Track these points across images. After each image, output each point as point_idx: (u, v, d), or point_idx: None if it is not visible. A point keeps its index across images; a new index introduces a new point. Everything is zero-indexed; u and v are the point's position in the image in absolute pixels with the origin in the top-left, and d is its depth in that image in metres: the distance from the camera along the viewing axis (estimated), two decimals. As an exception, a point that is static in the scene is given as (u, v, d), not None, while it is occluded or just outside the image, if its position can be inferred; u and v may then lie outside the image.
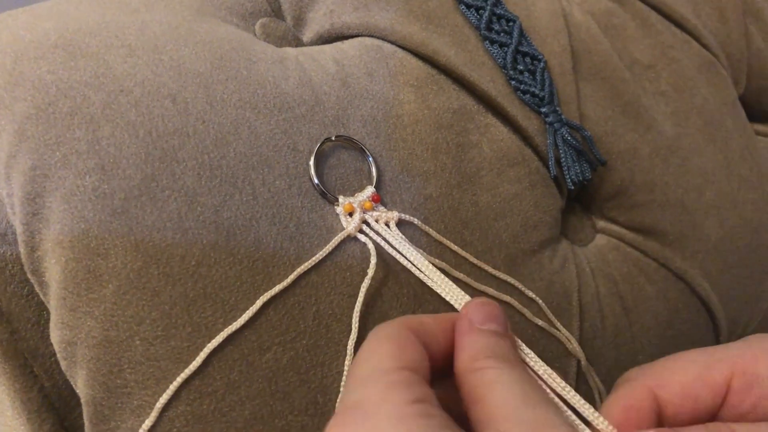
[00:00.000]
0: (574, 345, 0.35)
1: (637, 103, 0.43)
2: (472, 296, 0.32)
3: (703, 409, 0.27)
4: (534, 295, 0.34)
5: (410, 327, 0.26)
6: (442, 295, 0.31)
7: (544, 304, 0.32)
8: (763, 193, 0.46)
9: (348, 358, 0.30)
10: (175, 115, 0.31)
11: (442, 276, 0.31)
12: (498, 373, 0.25)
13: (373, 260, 0.31)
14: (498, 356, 0.25)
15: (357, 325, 0.30)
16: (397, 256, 0.32)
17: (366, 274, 0.31)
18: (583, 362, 0.36)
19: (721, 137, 0.45)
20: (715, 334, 0.44)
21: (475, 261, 0.34)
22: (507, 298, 0.34)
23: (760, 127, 0.52)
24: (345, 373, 0.30)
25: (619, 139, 0.42)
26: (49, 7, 0.34)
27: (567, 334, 0.35)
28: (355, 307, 0.31)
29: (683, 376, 0.27)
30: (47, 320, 0.31)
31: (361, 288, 0.31)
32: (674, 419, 0.27)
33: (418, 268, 0.32)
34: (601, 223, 0.42)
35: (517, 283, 0.34)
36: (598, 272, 0.40)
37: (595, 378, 0.36)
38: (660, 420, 0.27)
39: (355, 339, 0.30)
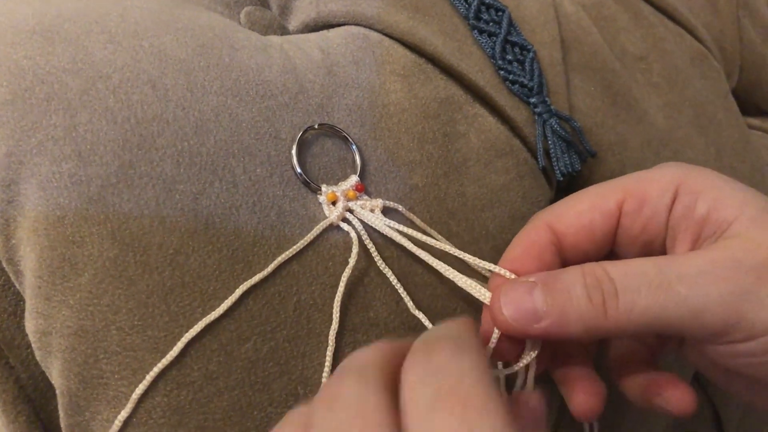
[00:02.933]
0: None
1: (628, 94, 0.42)
2: (453, 288, 0.31)
3: (599, 237, 0.28)
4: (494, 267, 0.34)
5: (392, 364, 0.22)
6: (438, 268, 0.31)
7: (490, 265, 0.31)
8: (755, 186, 0.45)
9: (330, 348, 0.30)
10: (154, 102, 0.30)
11: (431, 259, 0.31)
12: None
13: (355, 249, 0.31)
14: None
15: (338, 314, 0.30)
16: (382, 240, 0.31)
17: (348, 263, 0.31)
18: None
19: (713, 130, 0.45)
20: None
21: (459, 254, 0.33)
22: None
23: (752, 121, 0.51)
24: (327, 364, 0.30)
25: (610, 130, 0.41)
26: (28, -8, 0.34)
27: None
28: (336, 296, 0.30)
29: (577, 206, 0.29)
30: (24, 310, 0.30)
31: (342, 277, 0.30)
32: (573, 250, 0.28)
33: (406, 248, 0.31)
34: (591, 216, 0.42)
35: (498, 269, 0.34)
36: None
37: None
38: (560, 252, 0.28)
39: (336, 329, 0.30)
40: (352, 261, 0.31)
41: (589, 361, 0.30)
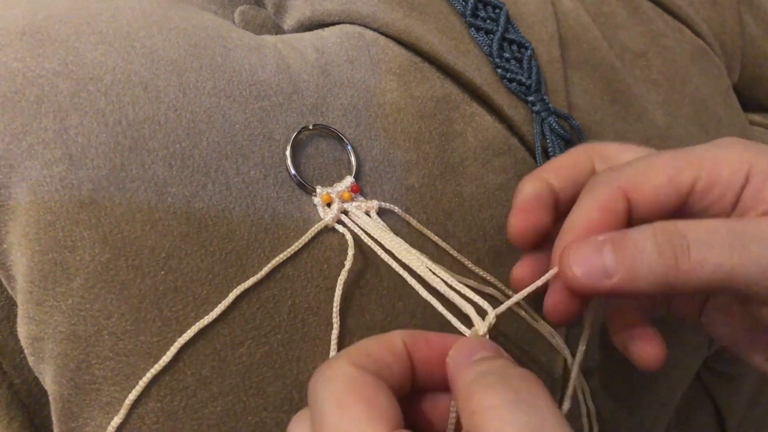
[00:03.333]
0: (558, 341, 0.34)
1: (627, 91, 0.42)
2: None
3: (666, 209, 0.28)
4: (511, 293, 0.33)
5: (364, 367, 0.23)
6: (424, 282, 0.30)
7: (522, 300, 0.31)
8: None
9: (332, 352, 0.29)
10: (146, 103, 0.30)
11: (422, 266, 0.30)
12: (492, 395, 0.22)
13: (351, 251, 0.30)
14: (492, 380, 0.23)
15: (338, 318, 0.30)
16: (376, 247, 0.31)
17: (344, 265, 0.30)
18: (568, 359, 0.35)
19: (714, 126, 0.44)
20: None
21: (456, 254, 0.33)
22: (490, 290, 0.33)
23: (753, 117, 0.51)
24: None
25: (609, 128, 0.41)
26: (18, -7, 0.33)
27: (551, 329, 0.34)
28: (335, 299, 0.30)
29: (655, 179, 0.28)
30: (17, 315, 0.30)
31: (339, 280, 0.30)
32: (640, 218, 0.28)
33: (397, 259, 0.31)
34: (591, 215, 0.42)
35: (493, 280, 0.34)
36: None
37: (580, 374, 0.36)
38: (629, 219, 0.28)
39: (337, 332, 0.30)
40: (348, 263, 0.30)
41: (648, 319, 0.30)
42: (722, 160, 0.28)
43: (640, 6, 0.46)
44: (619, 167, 0.30)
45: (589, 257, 0.26)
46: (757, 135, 0.50)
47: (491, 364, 0.23)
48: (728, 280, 0.25)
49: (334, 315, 0.30)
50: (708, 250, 0.25)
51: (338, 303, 0.30)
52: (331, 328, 0.30)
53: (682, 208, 0.29)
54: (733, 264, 0.24)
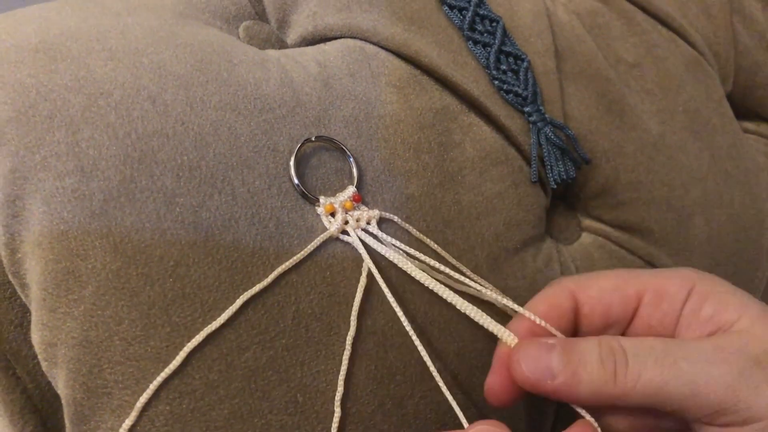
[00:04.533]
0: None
1: (622, 101, 0.43)
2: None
3: (615, 317, 0.31)
4: (509, 302, 0.34)
5: None
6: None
7: (519, 307, 0.32)
8: (750, 191, 0.46)
9: (346, 353, 0.31)
10: (154, 117, 0.31)
11: (424, 275, 0.32)
12: None
13: (367, 258, 0.31)
14: None
15: (355, 322, 0.31)
16: (377, 257, 0.32)
17: (346, 273, 0.31)
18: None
19: (708, 135, 0.45)
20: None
21: (455, 262, 0.34)
22: (488, 298, 0.34)
23: (747, 125, 0.52)
24: (343, 369, 0.30)
25: (604, 137, 0.42)
26: (31, 11, 0.35)
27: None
28: (354, 305, 0.31)
29: (601, 283, 0.31)
30: (30, 322, 0.31)
31: (359, 287, 0.31)
32: (588, 321, 0.31)
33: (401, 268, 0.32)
34: (587, 222, 0.43)
35: (490, 287, 0.34)
36: (583, 270, 0.40)
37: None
38: (576, 319, 0.31)
39: (353, 335, 0.31)
40: (364, 271, 0.32)
41: None
42: (669, 278, 0.31)
43: (635, 18, 0.47)
44: (571, 276, 0.33)
45: (538, 356, 0.28)
46: (751, 143, 0.51)
47: None
48: (661, 396, 0.26)
49: (353, 318, 0.31)
50: (643, 365, 0.27)
51: (357, 308, 0.31)
52: (334, 333, 0.31)
53: (632, 322, 0.31)
54: (664, 379, 0.26)
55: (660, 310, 0.30)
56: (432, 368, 0.31)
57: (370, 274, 0.32)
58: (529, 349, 0.29)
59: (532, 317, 0.31)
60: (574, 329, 0.32)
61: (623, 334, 0.31)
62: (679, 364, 0.26)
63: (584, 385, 0.27)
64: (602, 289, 0.31)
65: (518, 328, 0.31)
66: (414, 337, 0.31)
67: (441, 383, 0.31)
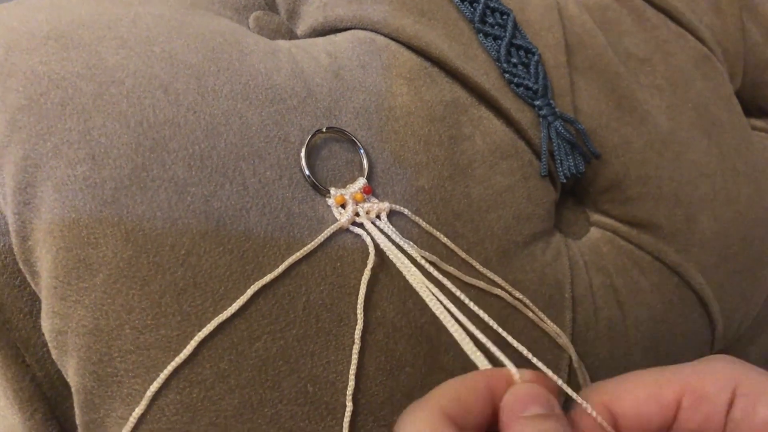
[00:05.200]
0: (564, 340, 0.35)
1: (631, 96, 0.43)
2: (461, 287, 0.32)
3: (655, 425, 0.28)
4: (519, 295, 0.34)
5: (449, 414, 0.24)
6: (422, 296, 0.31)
7: (528, 301, 0.32)
8: (759, 187, 0.46)
9: (356, 346, 0.30)
10: (166, 106, 0.31)
11: (426, 273, 0.31)
12: None
13: (372, 251, 0.31)
14: None
15: (362, 315, 0.31)
16: (387, 250, 0.32)
17: (356, 264, 0.31)
18: (574, 357, 0.36)
19: (716, 131, 0.45)
20: (711, 329, 0.44)
21: (464, 256, 0.34)
22: (498, 291, 0.34)
23: (756, 122, 0.52)
24: (354, 362, 0.30)
25: (614, 132, 0.42)
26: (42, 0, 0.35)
27: (556, 329, 0.35)
28: (359, 297, 0.31)
29: (636, 393, 0.28)
30: (40, 310, 0.31)
31: (363, 279, 0.31)
32: (628, 429, 0.28)
33: (404, 264, 0.32)
34: (595, 217, 0.43)
35: (501, 281, 0.34)
36: (591, 265, 0.40)
37: (585, 373, 0.36)
38: (616, 428, 0.28)
39: (361, 328, 0.31)
40: (370, 263, 0.31)
41: None
42: (707, 375, 0.28)
43: (645, 13, 0.47)
44: (603, 383, 0.30)
45: None
46: (760, 139, 0.51)
47: (543, 426, 0.24)
48: None
49: (359, 311, 0.31)
50: None
51: (362, 300, 0.31)
52: (344, 324, 0.31)
53: (673, 427, 0.28)
54: None
55: (700, 413, 0.28)
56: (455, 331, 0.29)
57: (375, 267, 0.32)
58: None
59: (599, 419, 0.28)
60: None
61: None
62: None
63: None
64: (638, 400, 0.28)
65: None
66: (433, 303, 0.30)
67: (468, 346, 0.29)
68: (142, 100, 0.30)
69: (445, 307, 0.29)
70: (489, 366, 0.27)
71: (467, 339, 0.28)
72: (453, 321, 0.28)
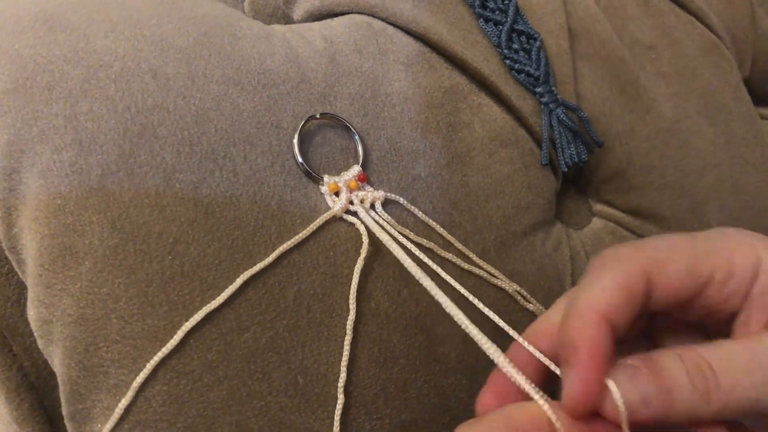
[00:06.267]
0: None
1: (636, 83, 0.42)
2: (457, 278, 0.31)
3: (684, 296, 0.27)
4: (512, 286, 0.33)
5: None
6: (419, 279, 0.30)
7: (526, 293, 0.31)
8: (766, 178, 0.45)
9: (347, 338, 0.30)
10: (155, 91, 0.30)
11: (422, 262, 0.31)
12: None
13: (365, 240, 0.31)
14: None
15: (354, 305, 0.30)
16: (381, 238, 0.31)
17: (350, 254, 0.31)
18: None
19: (723, 120, 0.44)
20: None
21: (461, 246, 0.33)
22: (497, 281, 0.34)
23: (764, 111, 0.51)
24: (345, 354, 0.30)
25: (617, 120, 0.41)
26: (31, -19, 0.34)
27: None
28: (352, 287, 0.30)
29: (677, 266, 0.27)
30: (27, 299, 0.30)
31: (355, 268, 0.30)
32: (654, 302, 0.27)
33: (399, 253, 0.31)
34: (598, 207, 0.42)
35: (497, 272, 0.34)
36: (593, 256, 0.39)
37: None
38: (639, 307, 0.27)
39: (353, 319, 0.30)
40: (363, 252, 0.31)
41: None
42: (736, 252, 0.27)
43: (651, -2, 0.46)
44: (641, 246, 0.28)
45: (626, 386, 0.25)
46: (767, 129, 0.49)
47: None
48: (757, 405, 0.25)
49: (351, 302, 0.30)
50: (735, 380, 0.25)
51: (355, 291, 0.30)
52: (336, 315, 0.30)
53: (696, 298, 0.28)
54: (759, 391, 0.25)
55: (728, 288, 0.27)
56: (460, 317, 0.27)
57: (369, 257, 0.31)
58: (619, 380, 0.25)
59: (542, 358, 0.28)
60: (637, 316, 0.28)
61: (691, 302, 0.28)
62: None
63: (678, 410, 0.25)
64: (678, 273, 0.27)
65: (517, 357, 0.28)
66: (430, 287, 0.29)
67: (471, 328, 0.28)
68: (131, 85, 0.30)
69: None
70: (503, 357, 0.26)
71: (476, 329, 0.27)
72: (456, 308, 0.27)
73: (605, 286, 0.26)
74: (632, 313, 0.26)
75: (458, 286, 0.31)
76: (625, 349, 0.29)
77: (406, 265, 0.30)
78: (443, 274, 0.31)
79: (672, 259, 0.27)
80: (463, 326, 0.27)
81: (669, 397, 0.25)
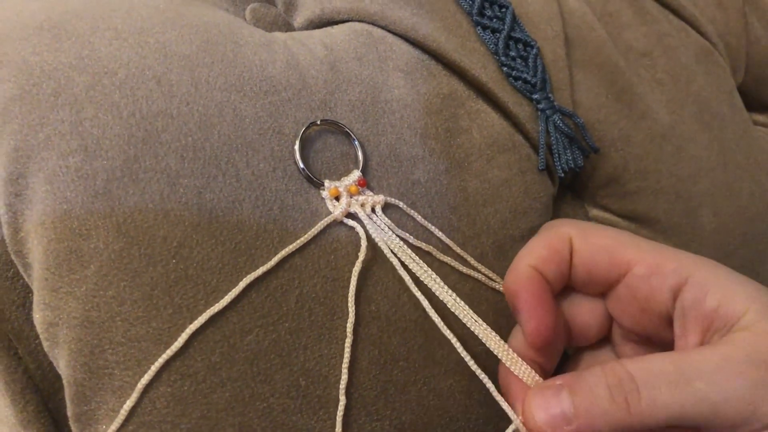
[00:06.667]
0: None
1: (631, 90, 0.42)
2: (455, 284, 0.32)
3: (599, 277, 0.31)
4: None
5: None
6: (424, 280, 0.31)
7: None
8: (760, 183, 0.46)
9: (348, 341, 0.30)
10: (159, 97, 0.30)
11: (423, 266, 0.32)
12: None
13: (364, 243, 0.31)
14: None
15: (353, 308, 0.31)
16: (380, 243, 0.32)
17: (350, 257, 0.31)
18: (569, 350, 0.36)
19: (717, 126, 0.45)
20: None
21: (459, 250, 0.34)
22: (495, 285, 0.34)
23: (758, 117, 0.51)
24: (346, 356, 0.30)
25: (613, 126, 0.41)
26: (36, -11, 0.34)
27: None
28: (350, 290, 0.31)
29: (597, 240, 0.31)
30: (32, 302, 0.31)
31: (353, 271, 0.31)
32: (575, 272, 0.32)
33: (398, 258, 0.32)
34: (594, 212, 0.42)
35: (495, 276, 0.34)
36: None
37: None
38: (570, 269, 0.32)
39: (353, 322, 0.30)
40: (361, 255, 0.31)
41: None
42: (667, 257, 0.30)
43: (645, 6, 0.47)
44: (576, 221, 0.33)
45: (549, 403, 0.27)
46: (761, 135, 0.50)
47: None
48: (679, 417, 0.26)
49: (350, 304, 0.31)
50: (656, 391, 0.26)
51: (353, 293, 0.31)
52: (337, 318, 0.30)
53: (617, 287, 0.31)
54: (679, 402, 0.26)
55: (648, 285, 0.30)
56: (447, 332, 0.31)
57: (369, 260, 0.31)
58: (539, 397, 0.28)
59: (525, 372, 0.31)
60: (568, 275, 0.32)
61: (605, 294, 0.32)
62: (693, 385, 0.26)
63: (600, 424, 0.26)
64: (595, 245, 0.31)
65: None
66: (425, 304, 0.31)
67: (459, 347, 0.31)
68: (135, 92, 0.30)
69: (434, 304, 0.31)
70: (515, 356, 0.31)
71: (491, 333, 0.31)
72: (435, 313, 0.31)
73: (534, 246, 0.32)
74: (558, 267, 0.31)
75: (447, 297, 0.32)
76: (591, 358, 0.33)
77: (396, 267, 0.31)
78: (433, 286, 0.32)
79: (596, 235, 0.32)
80: (476, 330, 0.29)
81: (589, 411, 0.26)
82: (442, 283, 0.32)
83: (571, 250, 0.31)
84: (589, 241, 0.31)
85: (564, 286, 0.33)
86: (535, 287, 0.31)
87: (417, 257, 0.32)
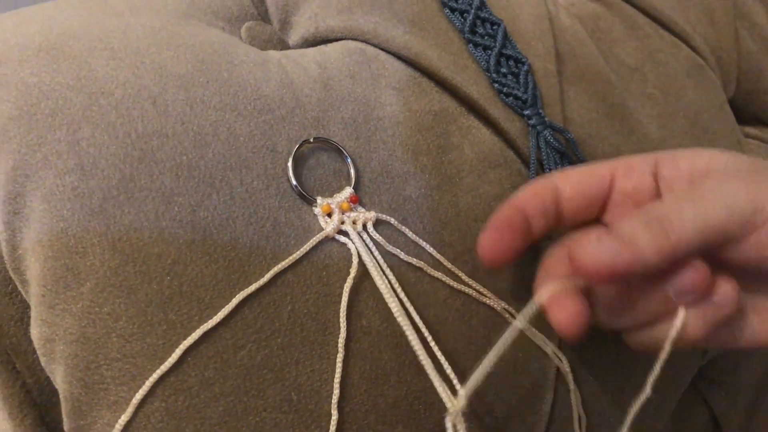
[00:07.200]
0: (551, 348, 0.36)
1: (622, 105, 0.43)
2: (446, 299, 0.32)
3: (593, 193, 0.34)
4: (500, 304, 0.35)
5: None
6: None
7: (514, 311, 0.32)
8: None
9: (339, 355, 0.31)
10: (154, 117, 0.31)
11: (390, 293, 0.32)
12: None
13: (355, 260, 0.32)
14: None
15: (345, 323, 0.31)
16: (368, 260, 0.32)
17: (342, 273, 0.32)
18: (561, 366, 0.36)
19: (708, 139, 0.45)
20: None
21: (450, 266, 0.34)
22: (486, 300, 0.35)
23: (749, 130, 0.52)
24: (338, 370, 0.31)
25: (604, 141, 0.42)
26: (35, 11, 0.35)
27: (543, 338, 0.35)
28: (341, 306, 0.31)
29: (578, 170, 0.35)
30: (30, 318, 0.31)
31: (345, 287, 0.31)
32: (570, 204, 0.34)
33: (387, 277, 0.32)
34: (585, 225, 0.43)
35: (483, 290, 0.35)
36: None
37: (572, 381, 0.37)
38: (559, 206, 0.34)
39: (344, 337, 0.31)
40: (353, 272, 0.32)
41: None
42: (631, 158, 0.34)
43: (637, 22, 0.47)
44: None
45: (597, 248, 0.29)
46: (752, 147, 0.51)
47: None
48: (707, 229, 0.29)
49: (341, 320, 0.31)
50: (682, 211, 0.29)
51: (345, 309, 0.31)
52: (329, 333, 0.31)
53: (611, 196, 0.34)
54: (705, 212, 0.29)
55: (631, 180, 0.33)
56: (424, 360, 0.31)
57: (360, 276, 0.32)
58: (586, 247, 0.29)
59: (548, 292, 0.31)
60: (558, 216, 0.34)
61: (604, 208, 0.34)
62: (707, 196, 0.29)
63: (646, 250, 0.28)
64: (579, 173, 0.34)
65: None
66: (408, 330, 0.31)
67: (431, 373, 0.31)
68: (131, 111, 0.31)
69: (414, 322, 0.32)
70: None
71: (429, 361, 0.31)
72: (418, 339, 0.31)
73: (521, 193, 0.34)
74: (541, 206, 0.33)
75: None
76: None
77: (379, 286, 0.32)
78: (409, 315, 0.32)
79: (574, 171, 0.35)
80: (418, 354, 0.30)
81: (633, 244, 0.29)
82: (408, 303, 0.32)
83: (556, 192, 0.34)
84: (572, 175, 0.34)
85: (558, 221, 0.34)
86: (510, 216, 0.33)
87: (392, 275, 0.33)
